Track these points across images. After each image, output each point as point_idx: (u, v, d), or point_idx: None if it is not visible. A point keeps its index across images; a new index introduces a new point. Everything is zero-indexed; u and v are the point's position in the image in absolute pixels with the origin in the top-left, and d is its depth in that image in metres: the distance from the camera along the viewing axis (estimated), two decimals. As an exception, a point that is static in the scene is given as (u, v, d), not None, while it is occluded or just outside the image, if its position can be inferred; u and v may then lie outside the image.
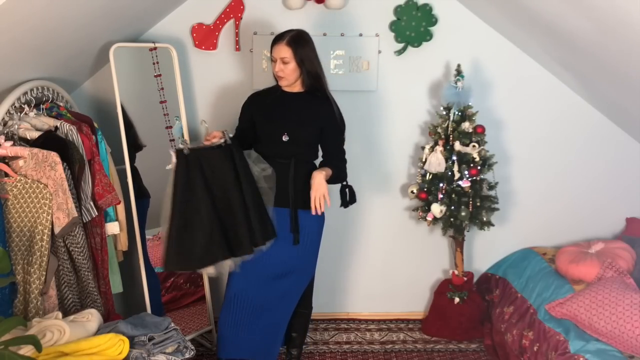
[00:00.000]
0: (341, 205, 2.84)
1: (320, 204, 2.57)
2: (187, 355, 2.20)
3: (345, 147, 3.40)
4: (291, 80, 2.62)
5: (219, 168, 2.56)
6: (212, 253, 2.50)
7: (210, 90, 3.31)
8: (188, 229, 2.48)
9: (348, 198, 2.82)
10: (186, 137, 3.08)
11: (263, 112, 2.71)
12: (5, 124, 2.36)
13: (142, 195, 3.02)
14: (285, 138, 2.63)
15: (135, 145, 2.99)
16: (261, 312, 2.69)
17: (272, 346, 2.81)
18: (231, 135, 2.63)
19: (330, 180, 2.68)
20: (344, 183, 2.80)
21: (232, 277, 2.70)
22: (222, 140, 2.60)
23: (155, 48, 3.04)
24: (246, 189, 2.55)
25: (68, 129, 2.48)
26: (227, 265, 2.58)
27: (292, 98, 2.69)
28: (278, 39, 2.59)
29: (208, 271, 2.61)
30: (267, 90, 2.78)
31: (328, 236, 3.48)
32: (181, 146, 2.54)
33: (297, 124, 2.65)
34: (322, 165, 2.75)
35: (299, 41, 2.58)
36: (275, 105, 2.69)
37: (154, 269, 3.15)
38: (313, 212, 2.58)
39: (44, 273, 2.23)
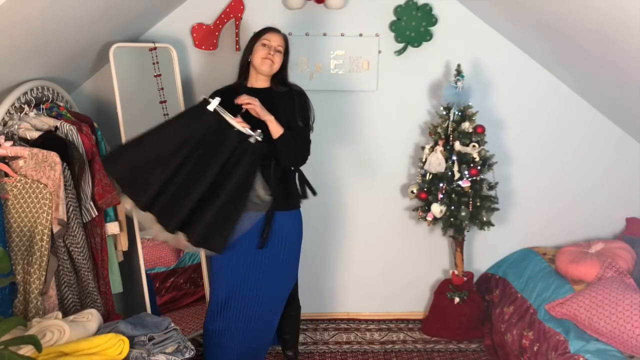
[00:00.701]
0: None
1: (246, 102, 2.44)
2: (187, 355, 2.20)
3: (346, 147, 3.42)
4: (275, 69, 2.58)
5: (217, 146, 2.34)
6: (140, 192, 2.30)
7: (210, 90, 3.29)
8: (143, 156, 2.32)
9: (299, 184, 2.65)
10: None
11: (232, 111, 2.51)
12: (5, 124, 2.36)
13: None
14: (259, 136, 2.46)
15: None
16: (248, 319, 2.64)
17: (260, 351, 2.77)
18: (260, 139, 2.39)
19: (281, 149, 2.50)
20: (298, 173, 2.65)
21: (214, 286, 2.63)
22: (249, 133, 2.37)
23: (155, 48, 3.04)
24: (227, 187, 2.32)
25: (68, 129, 2.48)
26: (146, 218, 2.36)
27: (262, 94, 2.57)
28: (274, 29, 2.62)
29: (125, 205, 2.40)
30: (230, 88, 2.64)
31: (328, 236, 3.50)
32: (210, 100, 2.36)
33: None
34: None
35: (287, 41, 2.65)
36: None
37: (147, 270, 3.15)
38: (238, 101, 2.45)
39: (44, 273, 2.23)
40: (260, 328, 2.69)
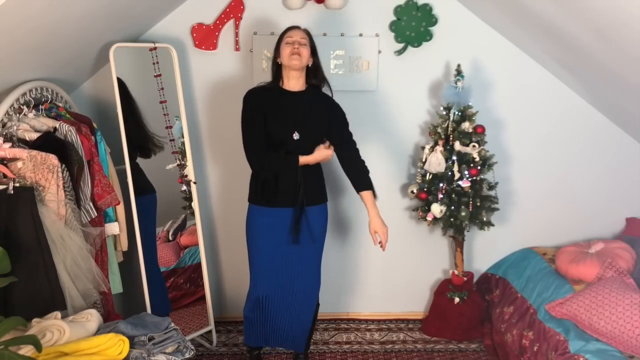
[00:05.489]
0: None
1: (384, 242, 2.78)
2: (187, 355, 2.20)
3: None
4: (304, 62, 2.66)
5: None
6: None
7: (210, 90, 3.31)
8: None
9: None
10: (186, 136, 3.08)
11: (272, 110, 2.68)
12: (4, 125, 2.36)
13: (147, 191, 3.01)
14: (296, 136, 2.66)
15: (145, 148, 3.03)
16: (286, 309, 2.80)
17: (301, 336, 2.88)
18: (17, 185, 2.18)
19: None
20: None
21: (254, 282, 2.79)
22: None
23: (155, 48, 3.04)
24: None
25: (67, 130, 2.47)
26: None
27: (297, 95, 2.71)
28: (294, 26, 2.72)
29: None
30: (265, 88, 2.76)
31: (328, 236, 3.48)
32: None
33: (307, 122, 2.69)
34: (346, 164, 2.79)
35: (310, 34, 2.73)
36: (282, 103, 2.69)
37: (160, 268, 3.16)
38: (376, 244, 2.80)
39: (44, 273, 2.23)
40: (297, 317, 2.83)
